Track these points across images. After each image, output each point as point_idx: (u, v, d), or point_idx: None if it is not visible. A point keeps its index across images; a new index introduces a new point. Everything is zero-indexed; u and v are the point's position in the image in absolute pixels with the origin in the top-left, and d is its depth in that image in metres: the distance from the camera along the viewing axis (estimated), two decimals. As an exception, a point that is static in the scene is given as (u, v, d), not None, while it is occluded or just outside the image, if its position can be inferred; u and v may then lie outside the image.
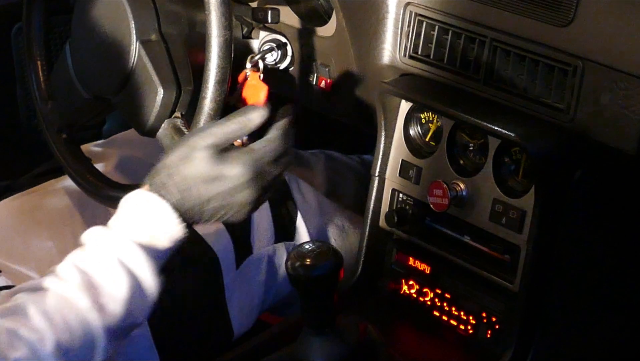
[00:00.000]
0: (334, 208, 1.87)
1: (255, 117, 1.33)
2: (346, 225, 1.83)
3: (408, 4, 1.60)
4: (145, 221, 1.29)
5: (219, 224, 1.69)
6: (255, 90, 1.71)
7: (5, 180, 2.19)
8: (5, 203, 1.89)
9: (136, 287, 1.27)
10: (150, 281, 1.29)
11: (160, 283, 1.30)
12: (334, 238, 1.82)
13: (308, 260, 1.32)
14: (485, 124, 1.47)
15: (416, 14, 1.59)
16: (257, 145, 1.33)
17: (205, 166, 1.30)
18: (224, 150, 1.31)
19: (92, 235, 1.30)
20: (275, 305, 1.81)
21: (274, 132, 1.34)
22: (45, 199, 1.84)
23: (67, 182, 1.83)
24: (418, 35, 1.59)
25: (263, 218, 1.74)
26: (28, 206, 1.83)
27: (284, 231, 1.76)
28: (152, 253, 1.29)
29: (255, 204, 1.34)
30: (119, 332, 1.28)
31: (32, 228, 1.76)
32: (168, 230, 1.30)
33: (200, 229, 1.67)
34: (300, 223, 1.78)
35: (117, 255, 1.27)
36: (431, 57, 1.58)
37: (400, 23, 1.61)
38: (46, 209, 1.82)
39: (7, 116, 2.22)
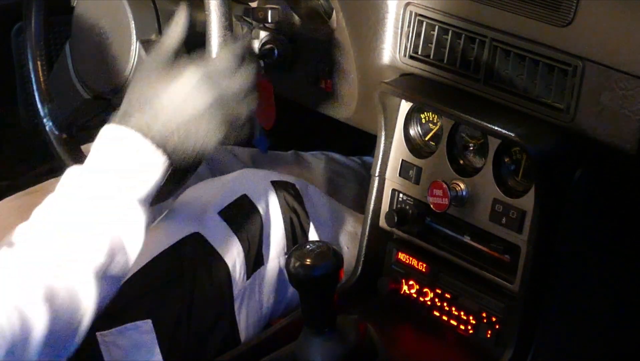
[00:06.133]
0: (346, 213, 1.87)
1: (177, 17, 1.38)
2: (359, 230, 1.83)
3: (408, 4, 1.60)
4: (118, 155, 1.30)
5: (232, 235, 1.69)
6: (263, 90, 1.71)
7: (6, 180, 2.19)
8: (5, 202, 1.89)
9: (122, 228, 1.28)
10: (133, 216, 1.29)
11: (146, 218, 1.30)
12: (347, 245, 1.82)
13: (308, 260, 1.32)
14: (485, 124, 1.47)
15: (416, 14, 1.59)
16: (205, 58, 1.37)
17: (157, 78, 1.33)
18: (171, 62, 1.35)
19: (71, 179, 1.30)
20: (285, 315, 1.81)
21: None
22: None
23: (67, 182, 1.83)
24: (418, 35, 1.59)
25: (276, 230, 1.74)
26: (29, 206, 1.82)
27: (297, 242, 1.75)
28: (136, 188, 1.29)
29: (219, 123, 1.34)
30: (108, 274, 1.28)
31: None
32: (144, 158, 1.30)
33: (211, 239, 1.67)
34: (312, 233, 1.77)
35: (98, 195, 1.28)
36: (431, 57, 1.58)
37: (400, 23, 1.61)
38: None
39: (7, 116, 2.22)
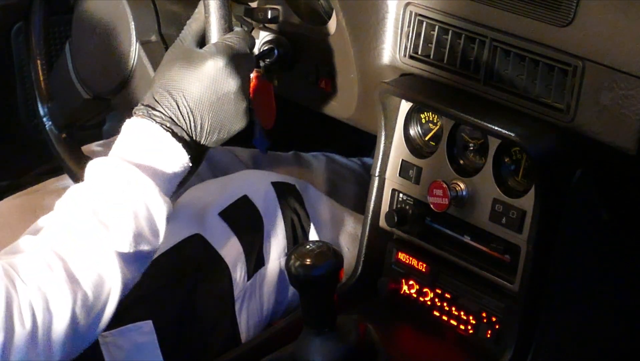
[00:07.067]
0: (346, 214, 1.87)
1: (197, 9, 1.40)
2: (359, 231, 1.83)
3: (408, 4, 1.60)
4: (142, 143, 1.31)
5: (232, 236, 1.69)
6: (263, 90, 1.71)
7: (6, 180, 2.19)
8: (5, 201, 1.89)
9: (143, 207, 1.28)
10: (157, 201, 1.29)
11: (168, 206, 1.30)
12: (347, 247, 1.82)
13: (308, 260, 1.32)
14: (485, 124, 1.47)
15: (416, 14, 1.59)
16: (227, 37, 1.38)
17: (180, 67, 1.34)
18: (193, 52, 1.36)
19: (94, 167, 1.32)
20: (286, 316, 1.81)
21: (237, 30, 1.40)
22: (45, 199, 1.84)
23: (67, 181, 1.83)
24: (418, 35, 1.59)
25: (276, 230, 1.74)
26: (29, 205, 1.83)
27: (297, 243, 1.75)
28: (158, 175, 1.30)
29: (245, 103, 1.36)
30: (131, 254, 1.28)
31: (32, 227, 1.76)
32: (169, 148, 1.31)
33: (212, 240, 1.67)
34: (313, 234, 1.78)
35: (121, 178, 1.29)
36: (431, 57, 1.58)
37: (400, 23, 1.61)
38: (47, 208, 1.81)
39: (7, 116, 2.22)
